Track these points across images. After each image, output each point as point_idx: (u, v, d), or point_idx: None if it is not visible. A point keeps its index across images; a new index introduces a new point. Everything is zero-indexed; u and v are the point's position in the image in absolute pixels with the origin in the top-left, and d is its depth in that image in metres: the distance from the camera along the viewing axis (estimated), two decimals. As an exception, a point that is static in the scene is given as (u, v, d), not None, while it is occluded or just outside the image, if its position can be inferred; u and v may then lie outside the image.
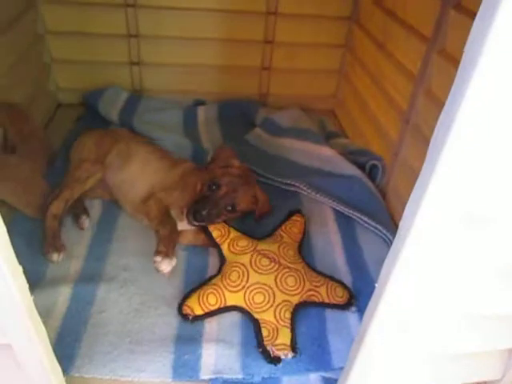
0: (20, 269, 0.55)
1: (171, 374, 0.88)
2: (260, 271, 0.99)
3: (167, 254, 1.01)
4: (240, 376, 0.88)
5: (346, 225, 1.27)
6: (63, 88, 1.79)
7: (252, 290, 0.97)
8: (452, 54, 1.09)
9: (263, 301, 0.96)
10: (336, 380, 0.87)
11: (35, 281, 1.05)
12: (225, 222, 1.12)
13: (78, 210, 1.19)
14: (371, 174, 1.44)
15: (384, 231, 1.19)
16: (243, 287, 0.98)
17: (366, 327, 0.71)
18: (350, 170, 1.38)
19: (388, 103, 1.43)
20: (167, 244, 1.03)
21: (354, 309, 1.01)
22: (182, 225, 1.13)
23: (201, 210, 1.05)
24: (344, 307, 1.01)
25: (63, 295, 1.02)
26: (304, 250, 1.15)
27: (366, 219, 1.24)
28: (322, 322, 0.99)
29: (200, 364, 0.90)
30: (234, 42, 1.76)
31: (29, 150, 1.27)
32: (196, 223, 1.08)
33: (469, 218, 0.56)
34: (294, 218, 1.18)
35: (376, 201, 1.31)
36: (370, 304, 0.70)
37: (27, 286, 0.57)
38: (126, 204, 1.24)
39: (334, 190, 1.33)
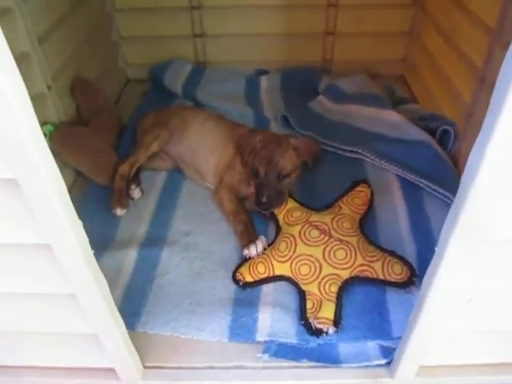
0: (80, 224, 0.58)
1: (228, 335, 0.90)
2: (308, 243, 0.97)
3: (251, 241, 1.04)
4: (295, 341, 0.88)
5: (412, 193, 1.20)
6: (132, 64, 1.86)
7: (298, 261, 0.95)
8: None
9: (309, 272, 0.94)
10: (394, 349, 0.84)
11: (106, 243, 1.12)
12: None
13: (131, 180, 1.23)
14: (442, 140, 1.34)
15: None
16: (290, 258, 0.96)
17: (426, 293, 0.68)
18: (419, 135, 1.30)
19: (462, 62, 1.32)
20: (247, 235, 1.06)
21: (414, 288, 0.91)
22: (249, 190, 1.16)
23: (261, 199, 1.04)
24: (402, 285, 0.91)
25: (130, 257, 1.08)
26: (367, 219, 1.10)
27: (434, 187, 1.17)
28: (381, 291, 0.95)
29: (256, 326, 0.91)
30: (295, 7, 1.71)
31: (100, 123, 1.34)
32: (267, 213, 1.10)
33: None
34: (358, 188, 1.13)
35: (446, 167, 1.22)
36: (429, 269, 0.66)
37: (87, 240, 0.60)
38: (189, 172, 1.29)
39: (400, 156, 1.26)
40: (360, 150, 1.29)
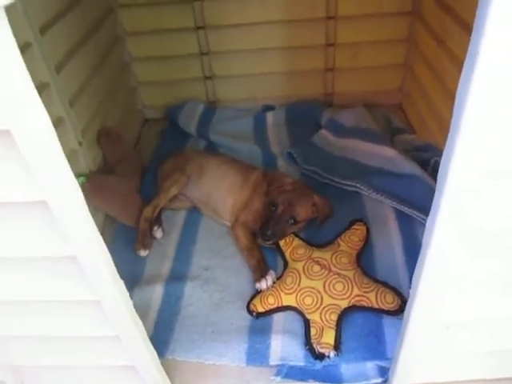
0: (122, 282, 0.74)
1: (245, 360, 1.05)
2: (311, 276, 1.12)
3: (262, 275, 1.18)
4: (302, 363, 1.02)
5: (407, 224, 1.33)
6: (148, 105, 2.04)
7: (303, 293, 1.10)
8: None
9: (312, 303, 1.08)
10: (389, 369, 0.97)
11: (135, 280, 1.28)
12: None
13: (153, 221, 1.39)
14: (436, 170, 1.46)
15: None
16: (295, 290, 1.11)
17: (406, 324, 0.81)
18: (411, 169, 1.42)
19: (451, 100, 1.44)
20: (259, 270, 1.21)
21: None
22: None
23: (265, 231, 1.20)
24: (394, 313, 1.05)
25: (157, 292, 1.23)
26: (364, 253, 1.24)
27: (426, 218, 1.29)
28: (379, 316, 1.09)
29: (269, 352, 1.05)
30: (297, 48, 1.86)
31: (124, 169, 1.50)
32: (266, 243, 1.24)
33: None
34: (355, 226, 1.27)
35: (437, 198, 1.35)
36: (408, 303, 0.80)
37: (127, 294, 0.76)
38: (206, 210, 1.44)
39: (394, 189, 1.40)
40: (358, 185, 1.43)
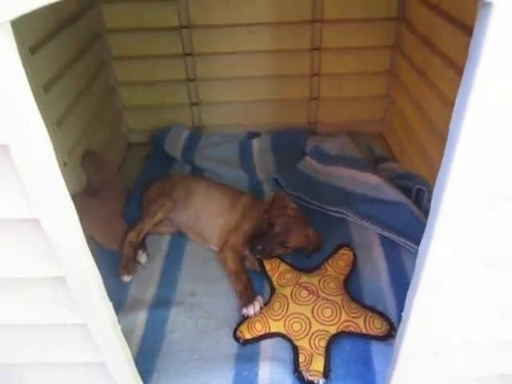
0: (111, 304, 0.72)
1: (233, 388, 1.02)
2: (299, 302, 1.11)
3: (250, 301, 1.17)
4: (291, 391, 1.00)
5: (392, 250, 1.35)
6: (133, 130, 2.04)
7: (291, 319, 1.09)
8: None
9: (300, 329, 1.07)
10: (379, 396, 0.96)
11: (118, 305, 1.24)
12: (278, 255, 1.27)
13: (138, 245, 1.37)
14: (418, 197, 1.50)
15: (428, 255, 1.25)
16: (283, 316, 1.10)
17: (398, 350, 0.81)
18: (395, 196, 1.45)
19: (432, 130, 1.49)
20: (246, 295, 1.19)
21: (394, 341, 0.99)
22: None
23: (256, 244, 1.21)
24: (383, 338, 1.05)
25: (141, 318, 1.20)
26: (351, 278, 1.24)
27: (410, 244, 1.31)
28: (367, 342, 1.08)
29: (257, 379, 1.03)
30: (283, 77, 1.90)
31: (109, 193, 1.48)
32: (252, 256, 1.23)
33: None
34: (341, 251, 1.28)
35: (421, 225, 1.36)
36: (399, 330, 0.80)
37: (116, 318, 0.74)
38: (192, 235, 1.43)
39: (379, 216, 1.41)
40: (344, 211, 1.44)
